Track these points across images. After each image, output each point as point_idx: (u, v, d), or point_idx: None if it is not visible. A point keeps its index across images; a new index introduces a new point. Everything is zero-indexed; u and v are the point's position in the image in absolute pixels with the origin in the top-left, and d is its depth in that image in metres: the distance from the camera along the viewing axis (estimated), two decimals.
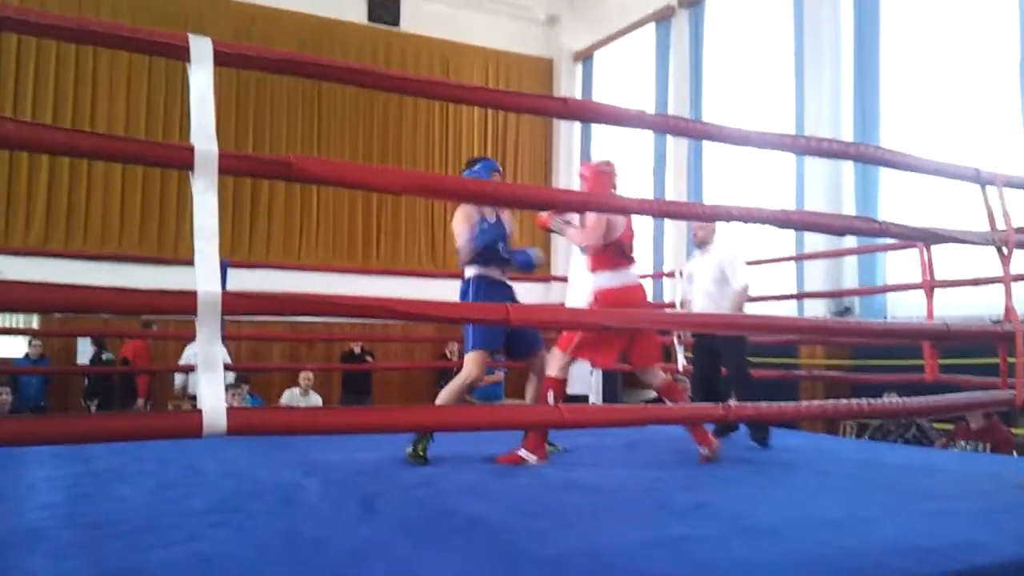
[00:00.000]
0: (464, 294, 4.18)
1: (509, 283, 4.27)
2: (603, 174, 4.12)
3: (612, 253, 4.00)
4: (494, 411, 2.93)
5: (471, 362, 4.00)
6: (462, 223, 4.13)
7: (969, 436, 5.39)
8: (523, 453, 3.82)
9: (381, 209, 11.22)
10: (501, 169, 4.38)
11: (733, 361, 4.91)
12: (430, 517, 2.75)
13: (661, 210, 3.42)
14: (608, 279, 4.02)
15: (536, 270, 4.44)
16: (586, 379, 7.03)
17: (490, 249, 4.10)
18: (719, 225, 4.89)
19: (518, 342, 4.17)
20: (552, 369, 3.95)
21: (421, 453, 3.79)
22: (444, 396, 4.01)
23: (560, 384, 3.94)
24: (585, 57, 12.09)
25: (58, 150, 1.83)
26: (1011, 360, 2.85)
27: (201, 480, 3.38)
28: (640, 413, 2.55)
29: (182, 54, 1.78)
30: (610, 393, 8.27)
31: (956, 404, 2.87)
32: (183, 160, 1.76)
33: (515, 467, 3.76)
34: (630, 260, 4.11)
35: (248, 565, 2.11)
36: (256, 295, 1.81)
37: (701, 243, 5.07)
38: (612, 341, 3.96)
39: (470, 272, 4.17)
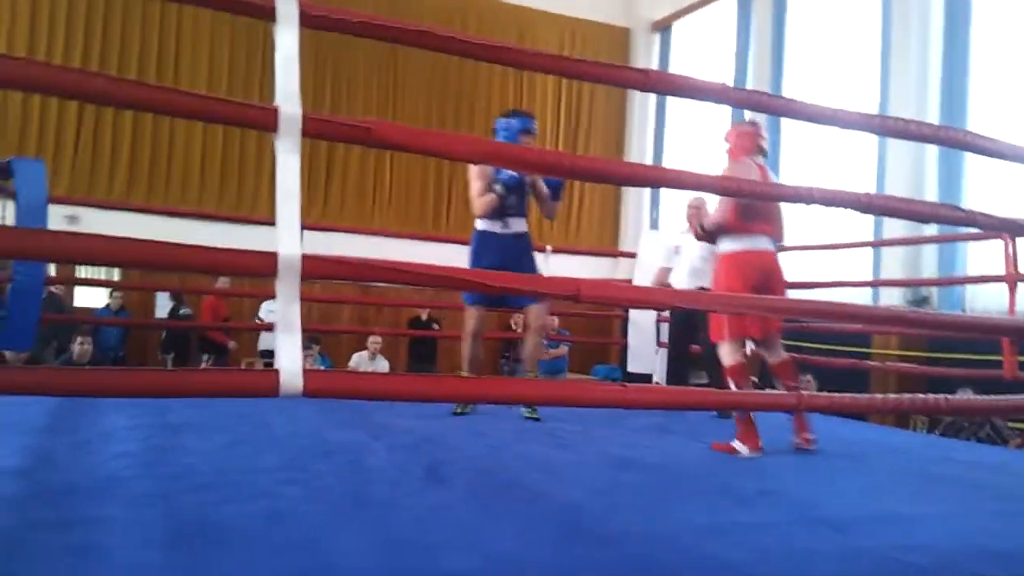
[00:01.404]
0: (470, 250, 4.50)
1: (517, 232, 4.45)
2: (745, 134, 3.95)
3: (740, 217, 3.77)
4: (555, 386, 2.93)
5: (466, 317, 4.48)
6: (474, 178, 4.37)
7: None
8: (737, 445, 3.66)
9: (454, 177, 11.26)
10: (534, 129, 4.46)
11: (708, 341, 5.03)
12: (494, 488, 2.77)
13: (739, 189, 3.34)
14: (732, 243, 3.81)
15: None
16: (650, 359, 6.97)
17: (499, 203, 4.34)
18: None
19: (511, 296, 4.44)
20: (725, 359, 3.85)
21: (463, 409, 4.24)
22: (464, 359, 4.47)
23: (738, 369, 3.82)
24: (663, 27, 11.88)
25: (150, 106, 1.87)
26: None
27: (272, 438, 3.46)
28: (705, 396, 2.52)
29: (268, 14, 1.80)
30: (677, 374, 8.18)
31: None
32: (268, 121, 1.78)
33: (577, 442, 3.75)
34: (762, 224, 3.82)
35: (317, 524, 2.15)
36: (334, 259, 1.83)
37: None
38: (737, 316, 3.79)
39: (476, 224, 4.48)
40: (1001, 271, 4.54)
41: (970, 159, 7.15)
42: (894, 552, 2.18)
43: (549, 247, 6.83)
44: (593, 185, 11.35)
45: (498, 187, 4.33)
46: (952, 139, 2.84)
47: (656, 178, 3.35)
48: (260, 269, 1.76)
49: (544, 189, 4.47)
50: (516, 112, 4.59)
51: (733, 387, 3.77)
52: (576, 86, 11.82)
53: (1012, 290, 4.39)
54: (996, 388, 2.95)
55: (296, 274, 1.72)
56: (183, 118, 2.09)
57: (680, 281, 5.27)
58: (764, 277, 3.72)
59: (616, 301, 2.35)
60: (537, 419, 4.22)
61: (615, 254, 10.57)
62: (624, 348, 7.47)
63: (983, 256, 6.69)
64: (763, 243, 3.81)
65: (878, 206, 2.89)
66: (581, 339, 9.43)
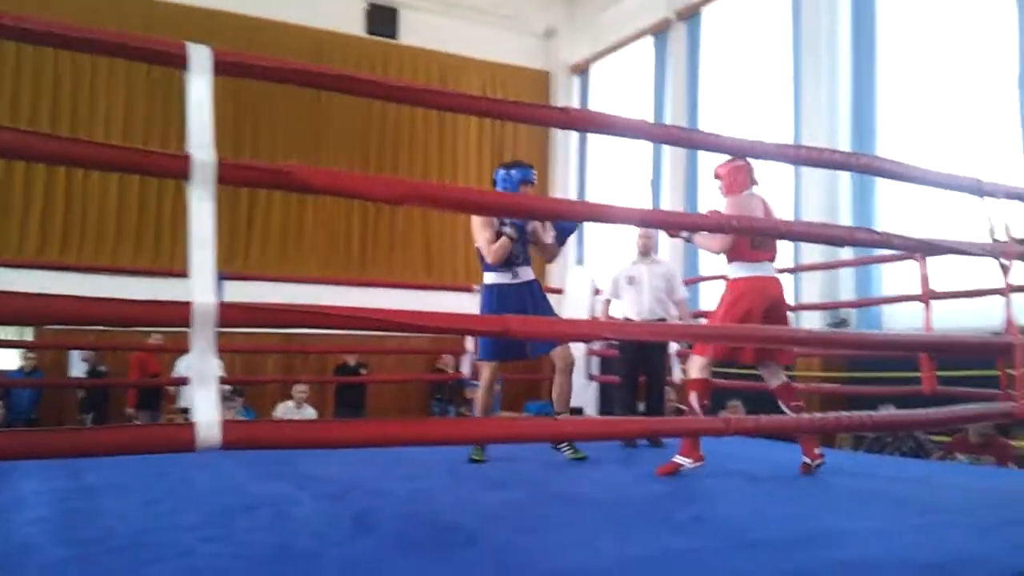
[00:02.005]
0: (482, 303, 4.44)
1: (527, 280, 4.42)
2: (738, 169, 3.99)
3: (746, 244, 3.86)
4: (486, 424, 2.91)
5: (482, 369, 4.42)
6: (480, 229, 4.30)
7: (968, 449, 5.36)
8: (679, 459, 3.74)
9: (378, 220, 11.21)
10: (534, 180, 4.52)
11: (658, 372, 5.41)
12: (426, 533, 2.71)
13: (658, 221, 3.42)
14: (738, 269, 3.90)
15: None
16: (581, 392, 6.99)
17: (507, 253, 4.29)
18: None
19: (535, 343, 4.36)
20: (692, 371, 3.90)
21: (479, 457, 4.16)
22: (477, 404, 4.45)
23: (703, 384, 3.86)
24: (582, 70, 12.11)
25: (54, 159, 1.81)
26: (1010, 372, 2.83)
27: (193, 494, 3.35)
28: (639, 426, 2.52)
29: (181, 62, 1.77)
30: (606, 405, 8.23)
31: (956, 416, 2.86)
32: (180, 169, 1.74)
33: (512, 480, 3.72)
34: (768, 252, 3.91)
35: None
36: (251, 307, 1.79)
37: (644, 251, 5.49)
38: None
39: (486, 279, 4.40)
40: (916, 291, 4.69)
41: (881, 183, 7.41)
42: (825, 570, 2.20)
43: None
44: None
45: (508, 229, 4.27)
46: (864, 165, 2.93)
47: (581, 213, 3.38)
48: (173, 320, 1.71)
49: (544, 238, 4.49)
50: (516, 164, 4.56)
51: (694, 400, 3.81)
52: (499, 128, 11.94)
53: (927, 308, 4.54)
54: (916, 403, 3.02)
55: (211, 323, 1.67)
56: (94, 169, 2.04)
57: (641, 311, 5.32)
58: (773, 303, 3.85)
59: (545, 336, 2.35)
60: (583, 458, 4.24)
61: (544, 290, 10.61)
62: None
63: (898, 277, 6.91)
64: (769, 269, 3.93)
65: (797, 232, 2.97)
66: (512, 376, 9.41)
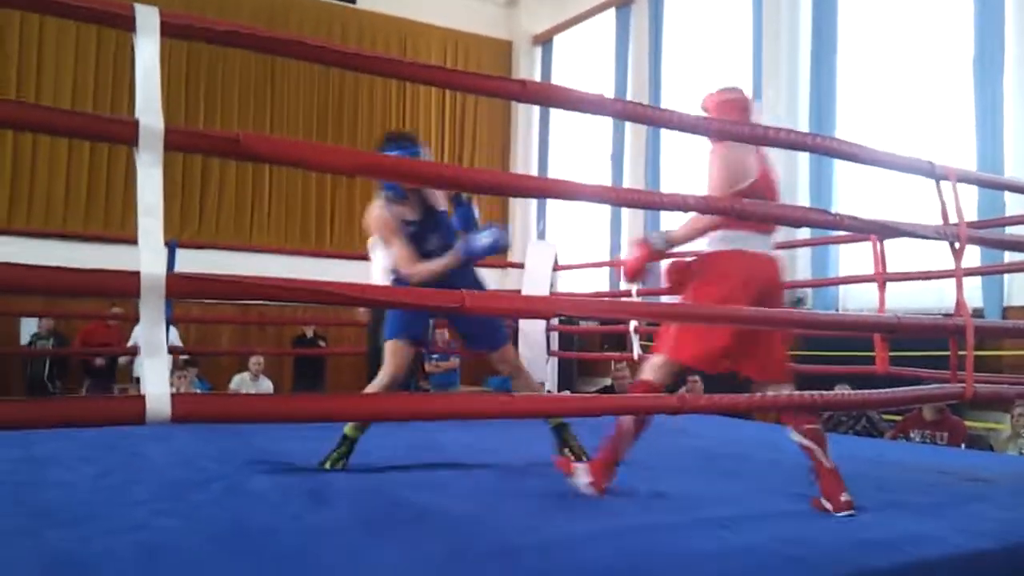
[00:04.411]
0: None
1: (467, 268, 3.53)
2: (731, 104, 3.11)
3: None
4: (441, 400, 2.89)
5: (388, 354, 3.48)
6: (389, 237, 3.49)
7: (922, 427, 5.47)
8: (580, 470, 3.00)
9: (336, 191, 11.06)
10: (422, 152, 3.66)
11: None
12: (380, 508, 2.70)
13: (618, 197, 3.38)
14: (721, 240, 2.95)
15: (501, 248, 3.58)
16: (541, 367, 7.00)
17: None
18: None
19: (471, 335, 3.64)
20: (647, 372, 2.99)
21: (338, 464, 3.34)
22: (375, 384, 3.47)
23: (647, 389, 2.94)
24: (545, 40, 12.02)
25: (3, 122, 1.75)
26: (962, 353, 2.88)
27: (145, 467, 3.31)
28: (593, 403, 2.52)
29: (127, 23, 1.71)
30: (565, 382, 8.27)
31: (908, 397, 2.90)
32: (127, 135, 1.68)
33: (468, 457, 3.71)
34: (759, 223, 2.89)
35: (193, 556, 2.05)
36: (202, 277, 1.74)
37: None
38: (713, 337, 2.88)
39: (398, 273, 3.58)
40: (871, 271, 4.75)
41: (839, 165, 7.48)
42: (777, 546, 2.22)
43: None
44: (480, 197, 11.34)
45: (453, 257, 3.44)
46: (821, 146, 2.94)
47: (542, 189, 3.34)
48: (121, 289, 1.66)
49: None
50: (396, 140, 3.64)
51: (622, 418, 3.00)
52: (460, 99, 11.83)
53: (882, 289, 4.59)
54: (871, 383, 3.06)
55: (160, 294, 1.62)
56: (40, 133, 1.96)
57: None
58: (756, 292, 2.87)
59: (501, 311, 2.33)
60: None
61: (503, 265, 10.58)
62: None
63: (854, 258, 7.00)
64: (759, 244, 2.95)
65: (752, 212, 2.97)
66: (472, 351, 9.40)
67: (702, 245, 3.02)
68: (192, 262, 3.42)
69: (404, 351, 3.48)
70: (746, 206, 2.77)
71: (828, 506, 2.76)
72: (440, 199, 3.66)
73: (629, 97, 9.90)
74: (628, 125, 9.91)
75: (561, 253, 8.14)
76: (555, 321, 7.11)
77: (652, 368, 2.98)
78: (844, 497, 2.75)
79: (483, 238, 3.45)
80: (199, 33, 1.83)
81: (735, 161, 2.97)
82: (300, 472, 3.20)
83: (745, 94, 3.23)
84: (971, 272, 4.86)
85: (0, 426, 1.64)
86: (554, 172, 11.45)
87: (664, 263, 3.15)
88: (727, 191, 2.92)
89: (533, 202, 11.49)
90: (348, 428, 3.38)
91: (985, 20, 6.46)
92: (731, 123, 2.61)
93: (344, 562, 2.01)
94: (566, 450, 3.57)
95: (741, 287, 2.85)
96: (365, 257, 4.89)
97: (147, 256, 1.64)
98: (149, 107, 1.68)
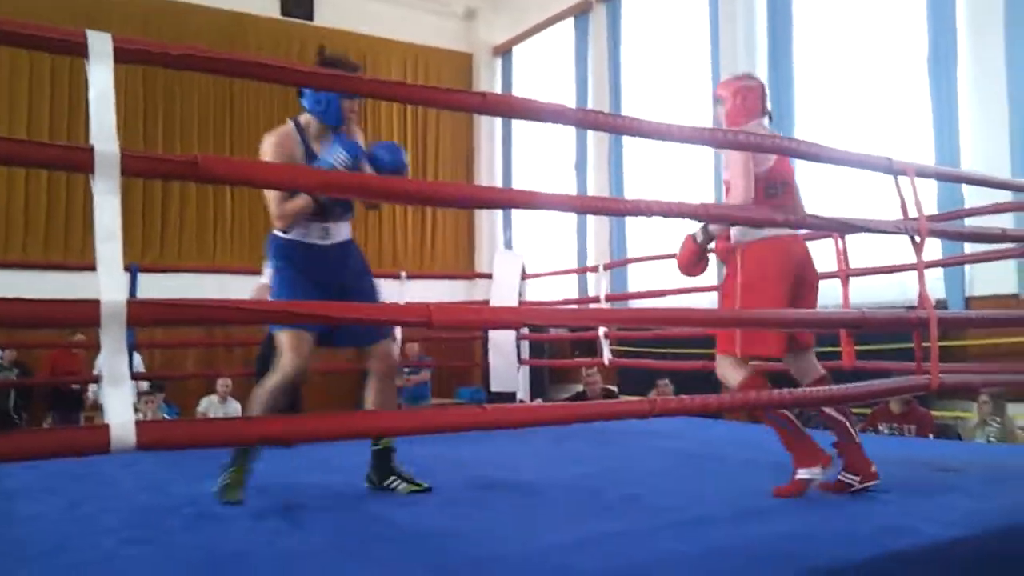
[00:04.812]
0: (268, 259, 3.20)
1: (342, 241, 3.16)
2: (748, 91, 3.21)
3: (759, 194, 3.02)
4: (412, 415, 2.88)
5: (284, 351, 2.97)
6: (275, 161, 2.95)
7: (890, 419, 5.53)
8: (803, 474, 2.97)
9: None
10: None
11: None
12: (357, 526, 2.68)
13: (583, 206, 3.38)
14: (748, 231, 3.06)
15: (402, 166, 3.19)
16: (512, 378, 7.00)
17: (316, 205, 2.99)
18: None
19: (346, 327, 2.96)
20: (732, 379, 3.09)
21: (233, 496, 2.90)
22: (259, 399, 3.01)
23: (755, 381, 3.01)
24: (504, 51, 12.06)
25: None
26: (926, 345, 2.92)
27: (114, 496, 3.25)
28: (566, 411, 2.52)
29: (80, 50, 1.69)
30: (537, 389, 8.27)
31: (877, 390, 2.92)
32: (82, 162, 1.67)
33: (439, 468, 3.69)
34: (786, 199, 3.11)
35: None
36: (163, 303, 1.72)
37: None
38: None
39: (275, 230, 3.07)
40: (834, 268, 4.80)
41: (800, 164, 7.54)
42: (751, 545, 2.24)
43: (404, 273, 6.78)
44: (445, 209, 11.36)
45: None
46: (780, 147, 2.98)
47: (508, 200, 3.35)
48: (82, 318, 1.64)
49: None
50: (334, 63, 3.07)
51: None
52: (422, 112, 11.81)
53: (845, 285, 4.64)
54: (837, 378, 3.09)
55: (121, 321, 1.60)
56: None
57: None
58: (800, 269, 3.08)
59: (469, 323, 2.33)
60: (426, 489, 3.17)
61: (471, 276, 10.59)
62: (486, 369, 7.47)
63: (817, 254, 7.07)
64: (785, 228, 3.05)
65: (715, 215, 3.00)
66: (442, 363, 9.38)
67: (742, 234, 3.11)
68: (155, 287, 3.38)
69: (305, 341, 2.97)
70: (710, 207, 2.80)
71: (854, 480, 2.94)
72: (359, 136, 3.20)
73: (590, 104, 9.95)
74: (590, 133, 9.96)
75: (528, 262, 8.16)
76: (525, 330, 7.11)
77: (730, 369, 3.10)
78: (873, 468, 2.95)
79: (338, 152, 2.91)
80: (154, 58, 1.82)
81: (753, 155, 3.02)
82: (272, 493, 3.16)
83: (759, 81, 3.29)
84: (932, 264, 4.93)
85: None
86: (518, 182, 11.47)
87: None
88: (748, 174, 3.00)
89: (499, 212, 11.51)
90: (384, 441, 3.14)
91: (937, 17, 6.58)
92: (690, 128, 2.63)
93: None
94: (392, 479, 3.18)
95: (784, 272, 3.02)
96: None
97: (107, 283, 1.61)
98: (104, 133, 1.66)
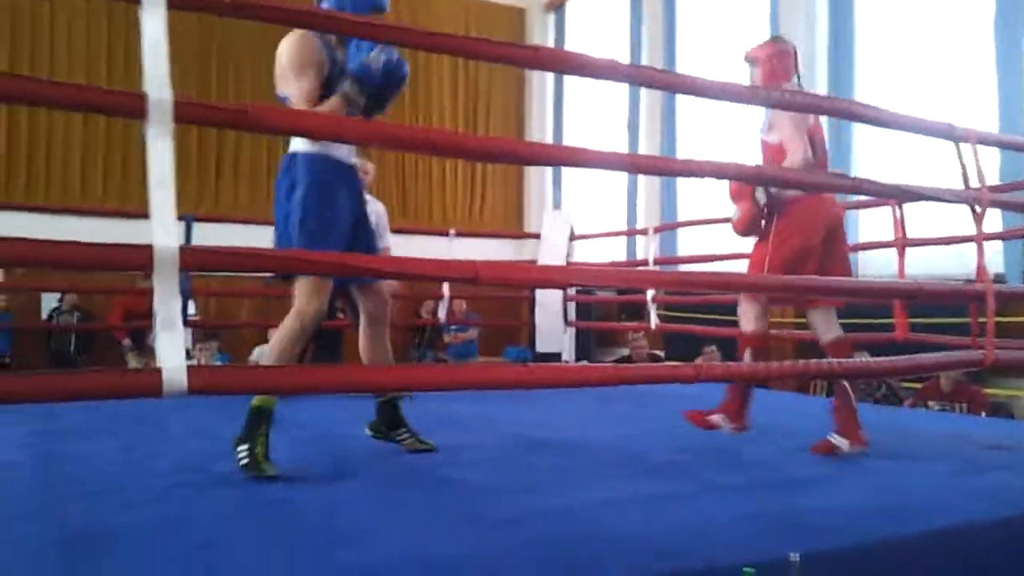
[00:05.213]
0: (288, 178, 2.81)
1: (356, 164, 3.00)
2: (783, 54, 3.32)
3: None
4: (459, 370, 2.89)
5: (304, 294, 2.79)
6: (302, 67, 2.75)
7: (940, 396, 5.42)
8: (836, 440, 3.12)
9: None
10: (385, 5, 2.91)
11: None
12: (398, 478, 2.72)
13: (634, 164, 3.32)
14: (788, 190, 3.17)
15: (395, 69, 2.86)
16: (558, 338, 7.01)
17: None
18: None
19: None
20: (746, 323, 3.28)
21: (260, 460, 2.61)
22: (275, 347, 2.83)
23: (760, 339, 3.25)
24: (558, 7, 11.88)
25: (7, 98, 1.75)
26: (982, 320, 2.84)
27: (166, 439, 3.34)
28: (610, 373, 2.51)
29: None
30: (583, 352, 8.27)
31: (926, 364, 2.87)
32: (136, 108, 1.68)
33: (487, 425, 3.73)
34: (822, 160, 3.27)
35: (213, 527, 2.07)
36: (216, 250, 1.74)
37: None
38: (803, 270, 3.11)
39: (300, 145, 2.79)
40: (890, 237, 4.70)
41: (858, 129, 7.37)
42: (792, 515, 2.22)
43: (452, 230, 6.79)
44: (495, 166, 11.31)
45: (349, 86, 2.73)
46: (837, 109, 2.91)
47: (558, 157, 3.33)
48: (134, 263, 1.67)
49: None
50: None
51: (748, 358, 3.22)
52: (473, 67, 11.72)
53: (901, 255, 4.54)
54: (889, 350, 3.04)
55: (174, 267, 1.62)
56: (49, 107, 1.96)
57: None
58: (828, 228, 3.20)
59: (515, 282, 2.32)
60: (430, 448, 3.08)
61: (519, 235, 10.56)
62: (533, 329, 7.49)
63: (873, 223, 6.92)
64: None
65: (769, 177, 2.94)
66: (490, 322, 9.41)
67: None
68: (209, 236, 3.43)
69: (329, 284, 2.85)
70: (762, 169, 2.75)
71: (843, 443, 3.05)
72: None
73: (644, 64, 9.79)
74: (643, 92, 9.81)
75: (577, 223, 8.11)
76: (572, 291, 7.10)
77: (751, 314, 3.24)
78: (863, 436, 3.05)
79: (373, 58, 2.74)
80: (207, 5, 1.82)
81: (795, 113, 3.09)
82: (319, 442, 3.22)
83: (792, 44, 3.39)
84: (992, 237, 4.79)
85: (21, 399, 1.66)
86: (569, 141, 11.36)
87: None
88: (803, 136, 3.11)
89: (548, 172, 11.43)
90: (258, 398, 2.71)
91: None
92: (749, 88, 2.58)
93: (359, 533, 2.02)
94: (402, 431, 3.10)
95: (817, 228, 3.14)
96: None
97: (159, 229, 1.64)
98: (157, 80, 1.68)
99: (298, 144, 2.78)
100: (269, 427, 2.67)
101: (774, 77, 3.25)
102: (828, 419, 3.14)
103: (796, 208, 3.17)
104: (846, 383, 3.13)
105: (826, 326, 3.32)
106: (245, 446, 2.63)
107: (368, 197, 4.19)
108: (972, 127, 2.95)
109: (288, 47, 2.80)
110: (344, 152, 2.85)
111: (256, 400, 2.68)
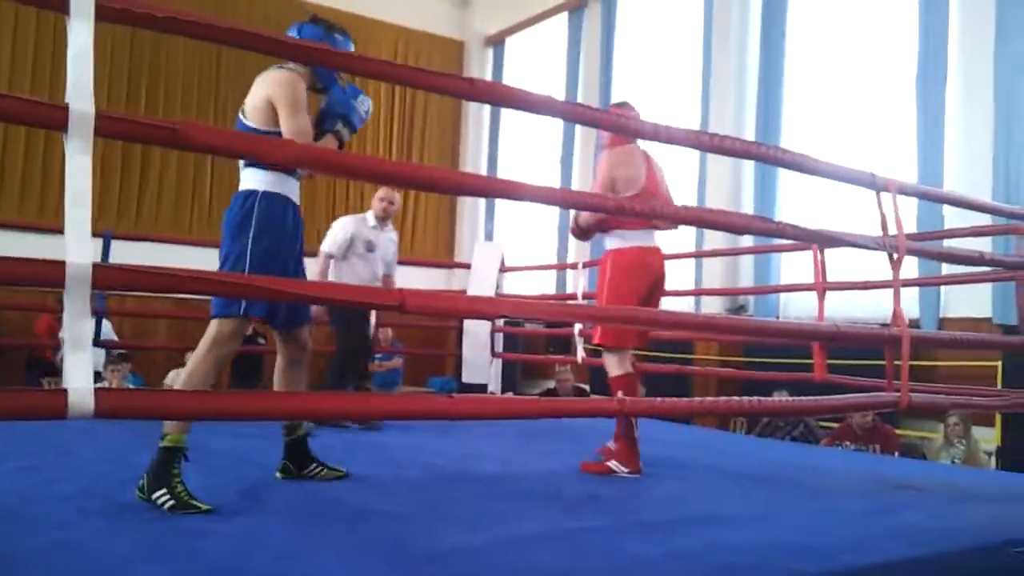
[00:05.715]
0: (238, 215, 2.89)
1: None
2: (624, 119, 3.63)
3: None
4: (383, 400, 2.84)
5: (222, 334, 2.80)
6: (297, 106, 2.74)
7: (855, 437, 5.55)
8: (614, 465, 3.44)
9: None
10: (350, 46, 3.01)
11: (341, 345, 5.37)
12: (316, 508, 2.65)
13: (566, 200, 3.32)
14: (618, 239, 3.55)
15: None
16: (485, 369, 6.99)
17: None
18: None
19: (283, 307, 2.88)
20: (612, 369, 3.51)
21: (186, 499, 2.50)
22: (190, 371, 2.83)
23: (627, 380, 3.45)
24: (497, 42, 12.00)
25: None
26: (897, 363, 2.92)
27: (72, 463, 3.20)
28: (534, 405, 2.50)
29: (62, 6, 1.65)
30: (509, 384, 8.26)
31: (844, 405, 2.93)
32: (56, 119, 1.62)
33: (409, 456, 3.68)
34: (651, 220, 3.49)
35: (119, 557, 1.98)
36: (131, 268, 1.68)
37: (384, 217, 5.28)
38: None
39: (254, 181, 2.85)
40: (811, 280, 4.81)
41: (784, 175, 7.57)
42: (712, 552, 2.23)
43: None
44: (428, 196, 11.30)
45: (341, 126, 3.02)
46: (766, 155, 2.97)
47: (491, 188, 3.34)
48: (45, 278, 1.60)
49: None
50: (324, 26, 2.99)
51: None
52: (409, 96, 11.73)
53: (821, 298, 4.64)
54: (808, 390, 3.10)
55: (86, 285, 1.56)
56: None
57: (373, 280, 5.33)
58: (653, 279, 3.58)
59: (442, 311, 2.29)
60: (343, 475, 3.08)
61: (450, 265, 10.54)
62: (460, 359, 7.45)
63: (795, 266, 7.10)
64: (652, 239, 3.62)
65: (695, 218, 2.98)
66: (416, 351, 9.34)
67: (612, 241, 3.60)
68: (129, 255, 3.33)
69: (246, 327, 2.89)
70: (690, 211, 2.79)
71: (622, 470, 3.37)
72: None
73: (580, 100, 9.92)
74: (578, 128, 9.93)
75: (508, 255, 8.13)
76: (500, 322, 7.10)
77: (614, 363, 3.48)
78: (639, 464, 3.39)
79: (360, 102, 3.03)
80: (137, 19, 1.77)
81: (627, 166, 3.57)
82: (232, 471, 3.13)
83: (636, 111, 3.67)
84: (909, 283, 4.96)
85: None
86: (503, 174, 11.42)
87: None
88: (605, 189, 3.54)
89: (482, 203, 11.46)
90: (169, 437, 2.63)
91: (928, 38, 6.60)
92: (681, 130, 2.62)
93: (277, 566, 1.96)
94: (313, 467, 3.06)
95: (642, 277, 3.50)
96: (312, 253, 4.71)
97: (73, 245, 1.58)
98: (80, 92, 1.62)
99: (254, 182, 2.85)
100: (181, 465, 2.60)
101: (615, 140, 3.64)
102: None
103: (625, 259, 3.53)
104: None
105: (623, 359, 3.55)
106: (163, 491, 2.52)
107: (387, 226, 4.82)
108: (893, 177, 3.04)
109: (281, 88, 2.77)
110: (296, 191, 2.94)
111: (167, 440, 2.61)
